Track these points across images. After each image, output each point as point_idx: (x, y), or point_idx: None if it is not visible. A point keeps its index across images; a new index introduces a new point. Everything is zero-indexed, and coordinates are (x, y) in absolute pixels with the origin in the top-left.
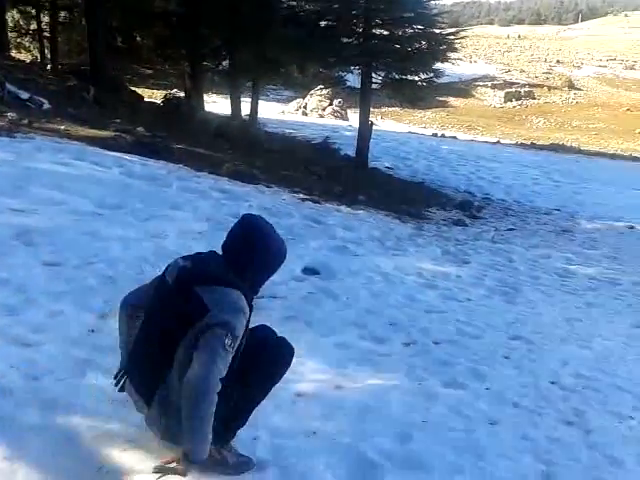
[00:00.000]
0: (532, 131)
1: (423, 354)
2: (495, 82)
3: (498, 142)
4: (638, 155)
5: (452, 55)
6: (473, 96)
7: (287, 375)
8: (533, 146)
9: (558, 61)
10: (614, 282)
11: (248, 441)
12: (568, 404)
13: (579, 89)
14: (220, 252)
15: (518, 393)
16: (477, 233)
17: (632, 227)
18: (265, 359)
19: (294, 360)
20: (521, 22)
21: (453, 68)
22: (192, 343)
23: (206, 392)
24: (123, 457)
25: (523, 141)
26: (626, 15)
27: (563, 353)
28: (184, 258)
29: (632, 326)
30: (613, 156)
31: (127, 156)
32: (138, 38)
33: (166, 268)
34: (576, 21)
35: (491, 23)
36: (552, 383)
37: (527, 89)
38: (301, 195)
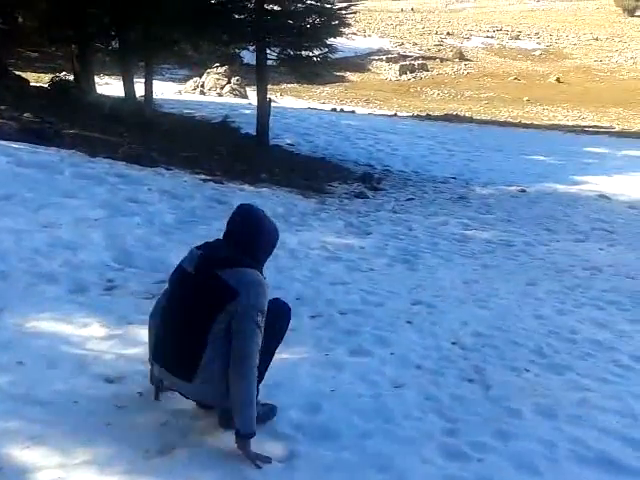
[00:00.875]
0: (427, 102)
1: (329, 325)
2: (389, 56)
3: (395, 115)
4: (527, 122)
5: (345, 30)
6: (369, 70)
7: None
8: (428, 117)
9: (448, 33)
10: (508, 244)
11: (157, 425)
12: (469, 362)
13: (469, 60)
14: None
15: (421, 355)
16: (378, 204)
17: (523, 190)
18: (268, 320)
19: None
20: None
21: (348, 43)
22: (227, 324)
23: (252, 368)
24: (25, 455)
25: (419, 113)
26: None
27: (462, 314)
28: (197, 248)
29: (525, 284)
30: (504, 124)
31: (14, 144)
32: (20, 19)
33: (182, 260)
34: None
35: None
36: (453, 344)
37: (420, 62)
38: (202, 176)
